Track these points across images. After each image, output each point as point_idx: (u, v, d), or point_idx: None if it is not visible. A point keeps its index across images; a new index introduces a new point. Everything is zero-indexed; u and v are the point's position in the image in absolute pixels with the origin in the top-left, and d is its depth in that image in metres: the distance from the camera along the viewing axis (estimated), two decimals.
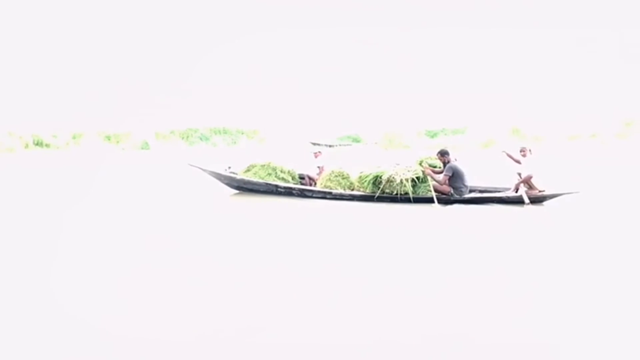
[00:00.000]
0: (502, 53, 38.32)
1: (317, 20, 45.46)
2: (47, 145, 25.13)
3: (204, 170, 9.80)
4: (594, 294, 3.81)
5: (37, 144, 24.86)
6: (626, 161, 17.48)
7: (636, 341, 2.99)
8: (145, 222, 6.95)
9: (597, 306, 3.56)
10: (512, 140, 24.11)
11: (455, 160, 8.68)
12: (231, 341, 2.97)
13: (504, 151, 9.31)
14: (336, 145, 32.68)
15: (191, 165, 9.98)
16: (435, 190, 8.38)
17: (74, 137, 26.69)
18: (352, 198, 8.82)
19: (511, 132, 27.16)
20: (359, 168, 9.27)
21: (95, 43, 35.59)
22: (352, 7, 47.31)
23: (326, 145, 32.15)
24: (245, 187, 9.54)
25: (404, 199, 8.45)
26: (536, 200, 8.30)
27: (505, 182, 9.03)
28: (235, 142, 33.79)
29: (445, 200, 8.36)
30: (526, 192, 8.29)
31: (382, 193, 8.59)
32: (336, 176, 9.14)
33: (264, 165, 9.54)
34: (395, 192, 8.49)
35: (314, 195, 9.03)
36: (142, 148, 28.43)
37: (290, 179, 9.56)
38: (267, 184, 9.25)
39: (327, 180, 9.15)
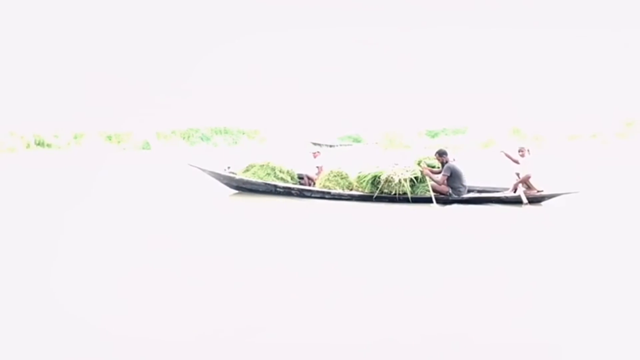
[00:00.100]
0: (503, 53, 38.29)
1: (317, 21, 45.46)
2: (48, 145, 25.20)
3: (204, 170, 9.83)
4: (592, 294, 3.81)
5: (38, 144, 24.93)
6: (627, 161, 17.45)
7: (636, 341, 3.00)
8: (145, 221, 6.98)
9: (595, 306, 3.56)
10: (512, 140, 24.09)
11: (454, 160, 8.70)
12: (230, 341, 2.98)
13: (502, 151, 9.32)
14: (337, 145, 32.70)
15: (191, 165, 10.02)
16: (434, 190, 8.39)
17: (75, 137, 26.76)
18: (351, 198, 8.84)
19: (512, 132, 27.15)
20: (359, 168, 9.29)
21: (96, 43, 35.65)
22: (353, 7, 47.30)
23: (327, 145, 32.18)
24: (244, 187, 9.57)
25: (402, 199, 8.46)
26: (534, 200, 8.31)
27: (504, 182, 9.05)
28: (236, 142, 33.83)
29: (444, 200, 8.37)
30: (524, 192, 8.30)
31: (380, 193, 8.61)
32: (335, 176, 9.17)
33: (263, 165, 9.57)
34: (393, 192, 8.50)
35: (313, 195, 9.05)
36: (143, 148, 28.48)
37: (289, 179, 9.59)
38: (266, 184, 9.28)
39: (325, 180, 9.17)
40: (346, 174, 9.22)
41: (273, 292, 3.84)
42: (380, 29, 44.80)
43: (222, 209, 8.57)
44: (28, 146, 24.40)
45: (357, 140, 36.15)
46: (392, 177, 8.52)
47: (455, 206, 8.17)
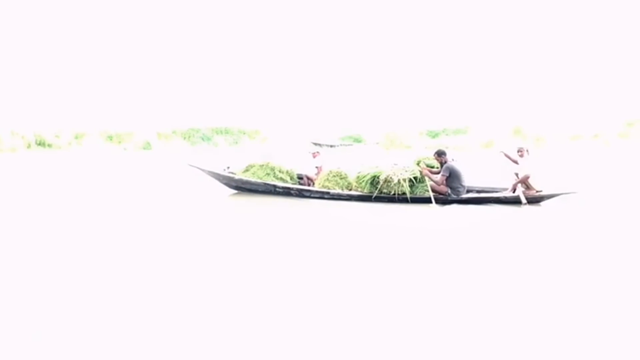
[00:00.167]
0: (504, 53, 38.26)
1: (318, 20, 45.48)
2: (49, 145, 25.27)
3: (203, 170, 9.84)
4: (591, 295, 3.80)
5: (39, 144, 25.00)
6: (628, 161, 17.42)
7: (635, 341, 2.99)
8: (145, 221, 6.98)
9: (595, 306, 3.55)
10: (514, 140, 24.07)
11: (452, 160, 8.69)
12: (230, 341, 2.98)
13: (501, 151, 9.32)
14: (338, 146, 32.75)
15: (190, 165, 10.03)
16: (433, 191, 8.39)
17: (76, 137, 26.84)
18: (350, 198, 8.84)
19: (513, 132, 27.14)
20: (358, 168, 9.28)
21: (97, 43, 35.72)
22: (353, 7, 47.31)
23: (328, 145, 32.21)
24: (243, 187, 9.58)
25: (401, 199, 8.46)
26: (533, 200, 8.30)
27: (504, 182, 9.04)
28: (236, 142, 33.89)
29: (443, 200, 8.37)
30: (523, 192, 8.29)
31: (379, 193, 8.60)
32: (334, 176, 9.17)
33: (263, 165, 9.58)
34: (392, 192, 8.50)
35: (312, 195, 9.05)
36: (144, 148, 28.54)
37: (288, 179, 9.59)
38: (265, 184, 9.28)
39: (325, 180, 9.18)
40: (345, 174, 9.22)
41: (272, 292, 3.84)
42: (381, 29, 44.82)
43: (221, 209, 8.57)
44: (29, 146, 24.46)
45: (358, 141, 36.20)
46: (391, 177, 8.52)
47: (454, 206, 8.17)
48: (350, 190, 9.01)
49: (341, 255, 5.02)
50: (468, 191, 8.71)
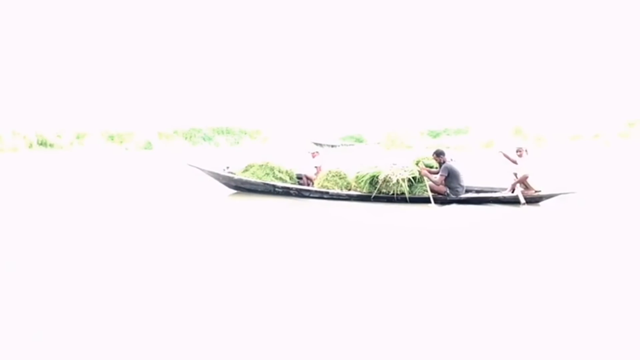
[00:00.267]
0: (505, 53, 38.22)
1: (320, 20, 45.48)
2: (51, 145, 25.31)
3: (203, 170, 9.87)
4: (590, 295, 3.81)
5: (41, 144, 25.04)
6: (629, 161, 17.39)
7: (635, 341, 2.99)
8: (145, 221, 7.01)
9: (594, 306, 3.56)
10: (514, 140, 24.03)
11: (451, 160, 8.70)
12: (229, 340, 2.99)
13: (500, 151, 9.33)
14: (339, 145, 32.74)
15: (190, 165, 10.05)
16: (432, 190, 8.41)
17: (77, 137, 26.87)
18: (349, 198, 8.85)
19: (514, 132, 27.11)
20: (357, 168, 9.30)
21: (98, 43, 35.78)
22: (355, 7, 47.30)
23: (329, 145, 32.22)
24: (243, 187, 9.60)
25: (400, 198, 8.48)
26: (532, 200, 8.32)
27: (503, 182, 9.05)
28: (238, 142, 33.92)
29: (442, 200, 8.38)
30: (522, 192, 8.30)
31: (378, 193, 8.62)
32: (333, 176, 9.19)
33: (262, 165, 9.60)
34: (391, 192, 8.52)
35: (311, 195, 9.07)
36: (146, 148, 28.57)
37: (288, 178, 9.61)
38: (264, 183, 9.31)
39: (324, 180, 9.19)
40: (345, 174, 9.24)
41: (271, 291, 3.85)
42: (382, 28, 44.81)
43: (220, 209, 8.60)
44: (31, 146, 24.51)
45: (359, 141, 36.21)
46: (390, 177, 8.53)
47: (453, 206, 8.18)
48: (350, 190, 9.03)
49: (340, 255, 5.03)
50: (467, 191, 8.72)
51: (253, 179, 9.40)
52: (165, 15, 41.63)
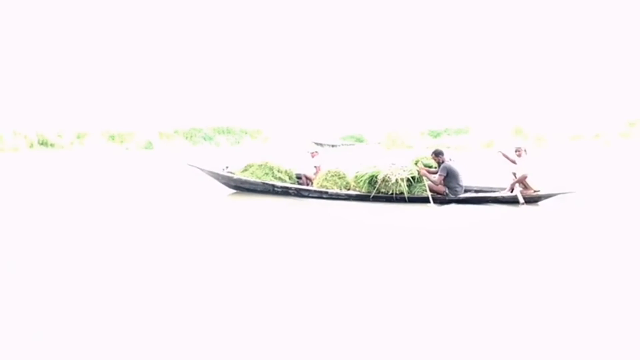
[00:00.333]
0: (506, 52, 38.19)
1: (321, 20, 45.48)
2: (51, 145, 25.36)
3: (202, 170, 9.88)
4: (589, 295, 3.80)
5: (41, 144, 25.09)
6: (630, 161, 17.37)
7: (634, 341, 2.99)
8: (144, 221, 7.03)
9: (593, 306, 3.56)
10: (515, 140, 24.02)
11: (450, 160, 8.70)
12: (228, 340, 2.99)
13: (499, 151, 9.33)
14: (339, 145, 32.75)
15: (190, 165, 10.07)
16: (431, 190, 8.41)
17: (78, 137, 26.91)
18: (348, 198, 8.86)
19: (514, 132, 27.09)
20: (356, 168, 9.30)
21: (99, 42, 35.82)
22: (357, 6, 47.30)
23: (329, 145, 32.23)
24: (242, 187, 9.62)
25: (399, 198, 8.48)
26: (531, 200, 8.31)
27: (502, 182, 9.04)
28: (238, 142, 33.95)
29: (441, 200, 8.39)
30: (521, 192, 8.30)
31: (377, 193, 8.63)
32: (332, 176, 9.19)
33: (261, 165, 9.61)
34: (390, 192, 8.52)
35: (311, 194, 9.08)
36: (146, 148, 28.61)
37: (287, 178, 9.62)
38: (264, 183, 9.32)
39: (323, 180, 9.20)
40: (344, 174, 9.24)
41: (270, 291, 3.86)
42: (382, 28, 44.81)
43: (220, 209, 8.61)
44: (31, 146, 24.56)
45: (359, 140, 36.24)
46: (389, 177, 8.54)
47: (452, 206, 8.19)
48: (349, 189, 9.04)
49: (339, 254, 5.04)
50: (466, 191, 8.72)
51: (252, 179, 9.41)
52: (166, 15, 41.67)
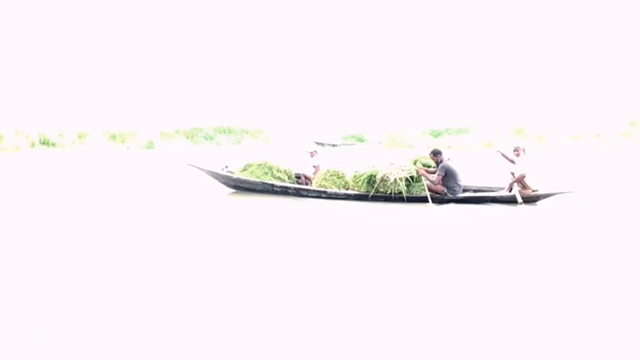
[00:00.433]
0: (506, 52, 38.14)
1: (322, 20, 45.48)
2: (53, 144, 25.43)
3: (202, 169, 9.90)
4: (588, 295, 3.81)
5: (43, 143, 25.17)
6: (631, 161, 17.35)
7: (633, 341, 3.00)
8: (144, 220, 7.05)
9: (592, 306, 3.57)
10: (516, 139, 24.00)
11: (449, 160, 8.72)
12: (228, 340, 3.00)
13: (498, 151, 9.34)
14: (340, 145, 32.76)
15: (190, 164, 10.10)
16: (429, 190, 8.43)
17: (79, 137, 26.99)
18: (347, 197, 8.88)
19: (515, 131, 27.08)
20: (355, 167, 9.31)
21: (100, 42, 35.88)
22: (357, 6, 47.29)
23: (330, 144, 32.25)
24: (241, 187, 9.64)
25: (398, 198, 8.50)
26: (529, 199, 8.32)
27: (501, 181, 9.05)
28: (239, 142, 33.97)
29: (439, 199, 8.40)
30: (520, 192, 8.31)
31: (376, 192, 8.64)
32: (331, 175, 9.21)
33: (261, 164, 9.63)
34: (389, 192, 8.54)
35: (309, 194, 9.10)
36: (147, 147, 28.66)
37: (286, 178, 9.64)
38: (263, 183, 9.34)
39: (322, 179, 9.22)
40: (343, 174, 9.26)
41: (270, 290, 3.87)
42: (383, 28, 44.80)
43: (219, 208, 8.63)
44: (33, 145, 24.64)
45: (360, 140, 36.24)
46: (387, 177, 8.55)
47: (450, 205, 8.20)
48: (348, 189, 9.06)
49: (338, 254, 5.05)
50: (464, 190, 8.74)
51: (251, 178, 9.44)
52: (167, 15, 41.71)
